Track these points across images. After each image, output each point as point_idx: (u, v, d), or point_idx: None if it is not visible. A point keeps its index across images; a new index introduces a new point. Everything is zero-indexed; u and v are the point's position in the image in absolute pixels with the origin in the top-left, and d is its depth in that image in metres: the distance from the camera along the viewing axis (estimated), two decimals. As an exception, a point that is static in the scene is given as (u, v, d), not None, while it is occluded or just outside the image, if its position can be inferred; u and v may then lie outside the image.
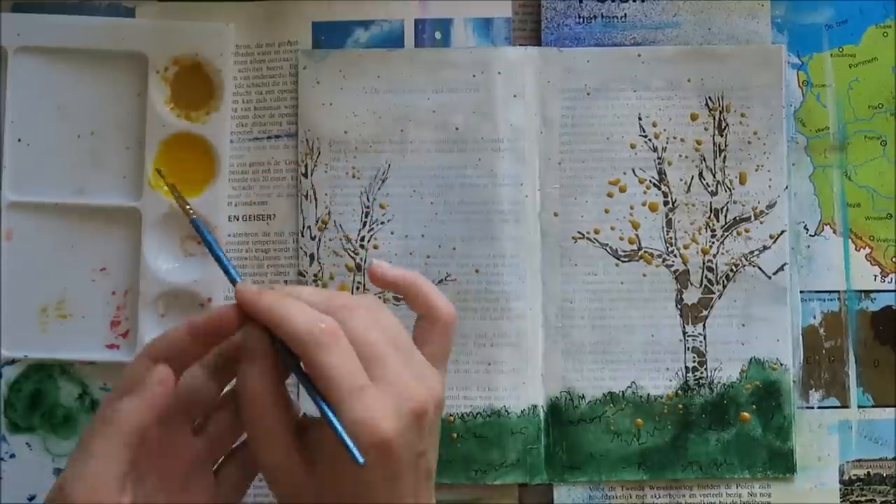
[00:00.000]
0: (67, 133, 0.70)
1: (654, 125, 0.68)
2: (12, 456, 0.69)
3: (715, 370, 0.67)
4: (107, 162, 0.70)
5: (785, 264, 0.67)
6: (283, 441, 0.49)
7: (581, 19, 0.69)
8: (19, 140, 0.69)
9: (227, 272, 0.53)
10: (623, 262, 0.68)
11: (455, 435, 0.67)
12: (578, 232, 0.68)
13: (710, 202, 0.68)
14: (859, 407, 0.67)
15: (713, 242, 0.68)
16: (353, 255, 0.68)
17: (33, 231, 0.69)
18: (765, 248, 0.67)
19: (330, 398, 0.47)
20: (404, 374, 0.48)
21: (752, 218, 0.68)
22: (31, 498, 0.69)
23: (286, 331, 0.47)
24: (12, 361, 0.69)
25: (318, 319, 0.47)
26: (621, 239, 0.68)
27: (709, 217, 0.68)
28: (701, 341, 0.67)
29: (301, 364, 0.49)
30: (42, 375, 0.69)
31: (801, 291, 0.68)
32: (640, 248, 0.68)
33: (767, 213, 0.67)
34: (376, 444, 0.46)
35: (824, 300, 0.68)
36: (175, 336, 0.49)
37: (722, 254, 0.68)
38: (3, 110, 0.69)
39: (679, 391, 0.67)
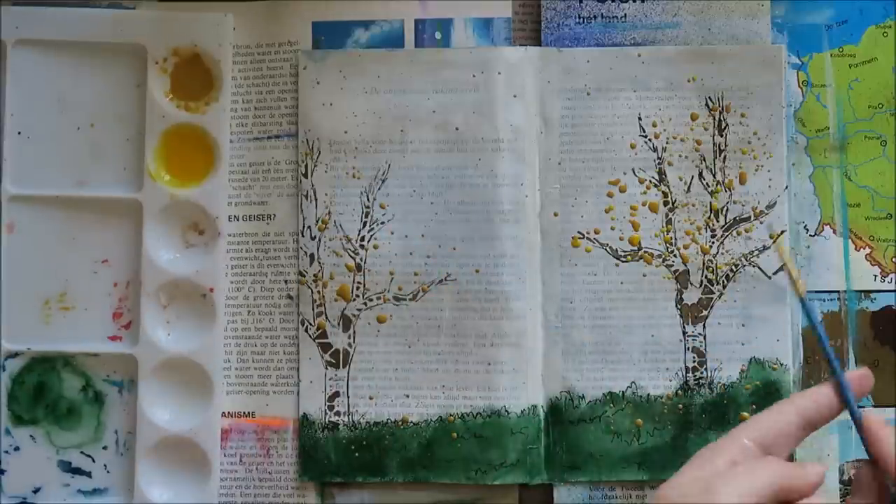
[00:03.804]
0: (67, 125, 0.70)
1: (654, 125, 0.68)
2: (16, 449, 0.69)
3: (715, 370, 0.67)
4: (107, 154, 0.70)
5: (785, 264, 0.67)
6: None
7: (581, 19, 0.69)
8: (19, 133, 0.70)
9: (839, 382, 0.54)
10: (623, 262, 0.68)
11: (455, 435, 0.67)
12: (578, 232, 0.68)
13: (710, 202, 0.68)
14: (859, 407, 0.67)
15: (713, 242, 0.68)
16: (353, 255, 0.68)
17: (34, 224, 0.69)
18: (765, 248, 0.67)
19: None
20: None
21: (752, 218, 0.67)
22: (36, 490, 0.69)
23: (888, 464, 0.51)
24: (15, 354, 0.69)
25: None
26: (621, 239, 0.68)
27: (709, 217, 0.68)
28: (701, 341, 0.67)
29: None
30: (45, 368, 0.69)
31: (801, 291, 0.68)
32: (640, 248, 0.68)
33: (767, 213, 0.67)
34: None
35: (824, 300, 0.67)
36: (782, 421, 0.51)
37: (722, 254, 0.68)
38: (2, 103, 0.70)
39: (679, 391, 0.67)
